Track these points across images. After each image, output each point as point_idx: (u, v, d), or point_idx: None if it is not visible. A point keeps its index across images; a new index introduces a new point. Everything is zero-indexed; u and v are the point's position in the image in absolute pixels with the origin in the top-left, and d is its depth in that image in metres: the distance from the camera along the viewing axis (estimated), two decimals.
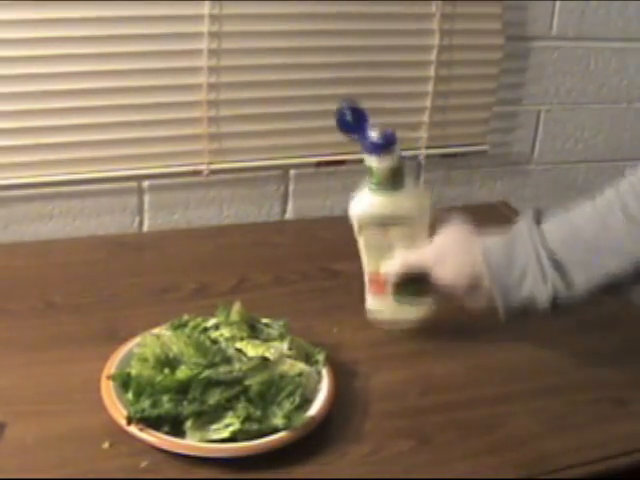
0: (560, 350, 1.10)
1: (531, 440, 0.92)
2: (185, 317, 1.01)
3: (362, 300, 1.11)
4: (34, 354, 1.00)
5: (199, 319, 1.00)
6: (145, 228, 1.38)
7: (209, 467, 0.83)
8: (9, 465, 0.82)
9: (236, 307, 1.01)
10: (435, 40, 1.40)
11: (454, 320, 1.14)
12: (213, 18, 1.26)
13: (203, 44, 1.27)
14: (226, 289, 1.18)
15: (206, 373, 0.87)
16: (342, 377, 0.97)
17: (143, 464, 0.83)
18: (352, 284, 1.22)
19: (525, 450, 0.91)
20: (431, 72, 1.43)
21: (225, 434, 0.84)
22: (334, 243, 1.36)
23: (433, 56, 1.42)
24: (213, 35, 1.27)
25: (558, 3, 1.49)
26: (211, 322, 1.00)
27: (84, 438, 0.86)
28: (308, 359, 0.97)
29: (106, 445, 0.85)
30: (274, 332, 1.00)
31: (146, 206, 1.37)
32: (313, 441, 0.87)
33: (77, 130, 1.26)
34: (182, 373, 0.87)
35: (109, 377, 0.90)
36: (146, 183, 1.35)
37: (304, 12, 1.32)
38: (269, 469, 0.84)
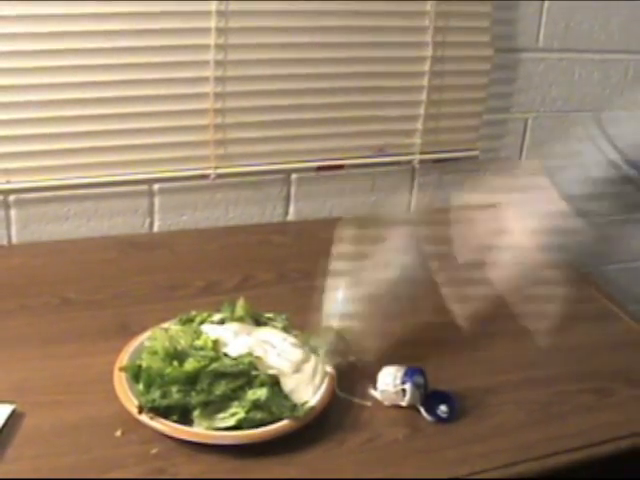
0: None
1: (518, 429, 0.93)
2: (193, 312, 1.01)
3: None
4: (50, 347, 1.00)
5: (205, 314, 1.00)
6: (155, 229, 1.39)
7: (215, 453, 0.84)
8: (27, 451, 0.83)
9: (241, 303, 1.02)
10: (428, 52, 1.40)
11: (445, 317, 1.14)
12: (219, 31, 1.26)
13: (210, 55, 1.27)
14: (231, 286, 1.18)
15: (213, 365, 0.87)
16: (341, 370, 0.97)
17: (153, 451, 0.84)
18: None
19: (512, 438, 0.91)
20: (424, 82, 1.43)
21: (231, 422, 0.85)
22: (333, 243, 1.36)
23: (426, 67, 1.42)
24: (219, 47, 1.27)
25: (544, 17, 1.49)
26: (217, 317, 1.00)
27: (97, 426, 0.87)
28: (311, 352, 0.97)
29: (118, 433, 0.86)
30: (278, 325, 1.00)
31: (156, 208, 1.37)
32: (314, 429, 0.88)
33: (91, 136, 1.26)
34: (190, 365, 0.87)
35: (121, 369, 0.90)
36: (156, 186, 1.35)
37: (305, 26, 1.32)
38: (272, 455, 0.84)
